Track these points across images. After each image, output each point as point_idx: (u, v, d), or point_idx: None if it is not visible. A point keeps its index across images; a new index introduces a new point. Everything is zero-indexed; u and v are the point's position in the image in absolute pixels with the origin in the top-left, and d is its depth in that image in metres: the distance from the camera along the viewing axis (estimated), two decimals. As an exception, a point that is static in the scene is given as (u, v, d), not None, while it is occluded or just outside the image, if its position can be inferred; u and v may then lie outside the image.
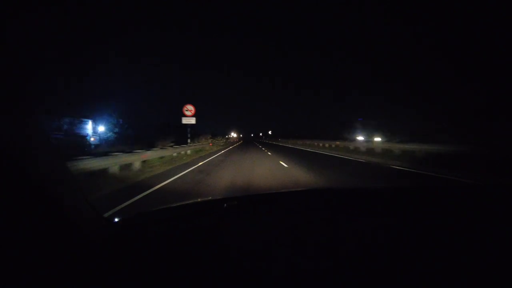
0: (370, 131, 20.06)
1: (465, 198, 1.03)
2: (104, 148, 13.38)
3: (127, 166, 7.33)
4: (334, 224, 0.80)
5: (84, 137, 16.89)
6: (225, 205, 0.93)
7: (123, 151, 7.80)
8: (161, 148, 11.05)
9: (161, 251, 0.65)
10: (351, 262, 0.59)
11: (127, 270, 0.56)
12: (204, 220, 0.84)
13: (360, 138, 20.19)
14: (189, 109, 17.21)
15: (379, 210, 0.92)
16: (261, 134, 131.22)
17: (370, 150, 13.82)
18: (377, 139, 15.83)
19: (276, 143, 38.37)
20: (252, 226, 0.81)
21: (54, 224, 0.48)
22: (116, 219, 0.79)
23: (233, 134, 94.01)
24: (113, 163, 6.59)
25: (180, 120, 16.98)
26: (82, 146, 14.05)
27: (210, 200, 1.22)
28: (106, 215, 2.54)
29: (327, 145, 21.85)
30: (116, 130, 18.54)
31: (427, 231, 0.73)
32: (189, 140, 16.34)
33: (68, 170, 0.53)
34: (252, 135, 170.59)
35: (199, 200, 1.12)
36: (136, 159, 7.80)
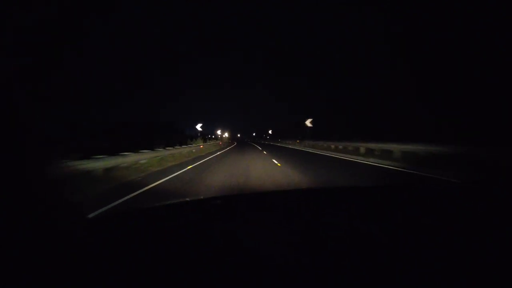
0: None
1: (463, 197, 1.03)
2: None
3: None
4: (328, 223, 0.79)
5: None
6: (211, 203, 0.92)
7: None
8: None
9: (145, 251, 0.64)
10: (348, 263, 0.58)
11: (110, 270, 0.55)
12: (191, 219, 0.84)
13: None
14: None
15: (375, 209, 0.91)
16: (270, 132, 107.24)
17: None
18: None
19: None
20: (242, 225, 0.80)
21: (34, 225, 0.47)
22: (99, 219, 0.79)
23: (225, 134, 72.49)
24: None
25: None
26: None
27: (197, 200, 1.21)
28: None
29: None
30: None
31: (425, 231, 0.72)
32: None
33: (47, 170, 0.51)
34: (254, 134, 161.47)
35: (187, 199, 1.12)
36: None
